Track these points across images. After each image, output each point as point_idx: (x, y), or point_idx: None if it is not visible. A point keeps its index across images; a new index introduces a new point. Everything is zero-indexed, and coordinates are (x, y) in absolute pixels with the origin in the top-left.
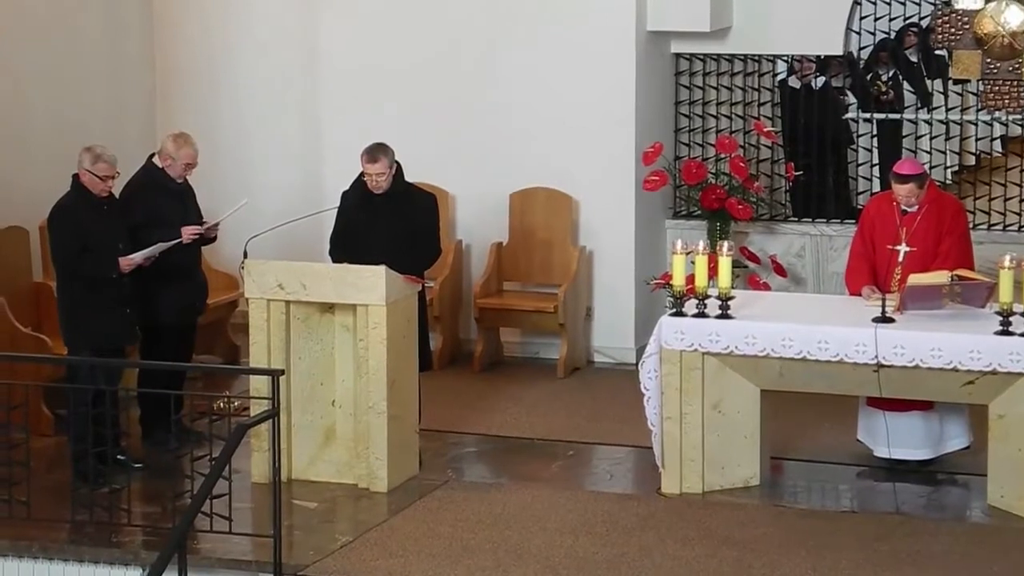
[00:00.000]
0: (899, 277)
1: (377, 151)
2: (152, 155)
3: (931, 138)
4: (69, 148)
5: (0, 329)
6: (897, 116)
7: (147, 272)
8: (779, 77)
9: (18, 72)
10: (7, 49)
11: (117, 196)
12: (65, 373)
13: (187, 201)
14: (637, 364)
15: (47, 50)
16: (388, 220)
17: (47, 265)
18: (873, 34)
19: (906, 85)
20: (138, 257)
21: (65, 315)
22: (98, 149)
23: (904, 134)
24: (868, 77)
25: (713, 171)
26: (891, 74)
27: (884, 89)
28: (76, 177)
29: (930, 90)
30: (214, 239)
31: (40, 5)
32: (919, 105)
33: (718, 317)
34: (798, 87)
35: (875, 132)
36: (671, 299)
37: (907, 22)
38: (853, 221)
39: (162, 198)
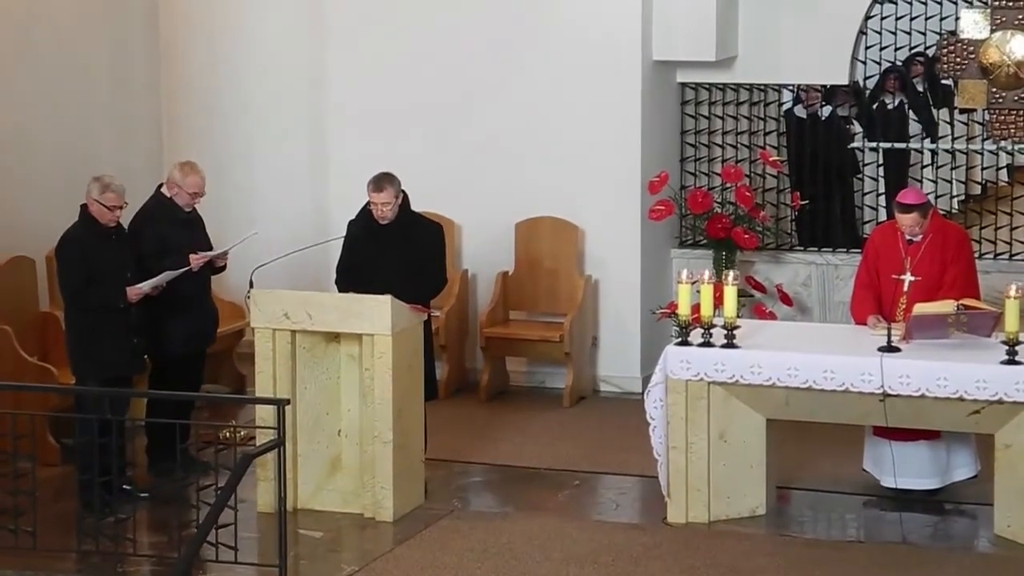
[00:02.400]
0: (904, 306)
1: (383, 181)
2: (160, 185)
3: (937, 167)
4: (75, 177)
5: (6, 359)
6: (903, 145)
7: (157, 302)
8: (785, 106)
9: (24, 101)
10: (13, 79)
11: (125, 226)
12: (72, 402)
13: (196, 230)
14: (643, 393)
15: (53, 80)
16: (394, 250)
17: (53, 294)
18: (879, 63)
19: (911, 114)
20: (146, 286)
21: (73, 345)
22: (106, 179)
23: (910, 163)
24: (874, 106)
25: (719, 200)
26: (897, 103)
27: None
28: (84, 207)
29: (936, 119)
30: (223, 268)
31: (46, 34)
32: (924, 134)
33: (724, 346)
34: (804, 116)
35: (881, 161)
36: (677, 328)
37: (913, 52)
38: (859, 250)
39: (171, 227)
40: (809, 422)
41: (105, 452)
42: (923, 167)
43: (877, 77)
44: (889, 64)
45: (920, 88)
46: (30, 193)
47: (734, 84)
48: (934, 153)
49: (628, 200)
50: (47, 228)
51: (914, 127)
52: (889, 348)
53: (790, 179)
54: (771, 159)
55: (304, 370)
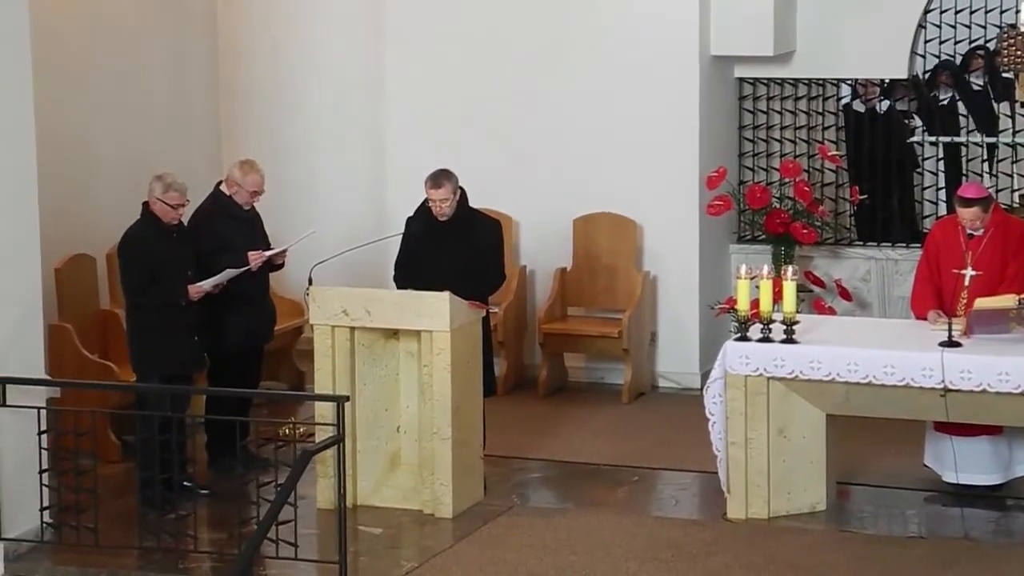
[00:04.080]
0: (965, 301)
1: (441, 177)
2: (219, 183)
3: (998, 161)
4: (135, 176)
5: (68, 356)
6: (963, 140)
7: (216, 299)
8: (843, 101)
9: (85, 101)
10: (75, 78)
11: (185, 224)
12: (133, 399)
13: (254, 228)
14: (702, 389)
15: (114, 82)
16: (452, 246)
17: (114, 292)
18: (938, 57)
19: (962, 109)
20: (207, 285)
21: (134, 342)
22: (169, 178)
23: (970, 157)
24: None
25: (777, 195)
26: (949, 97)
27: None
28: (146, 205)
29: (997, 113)
30: (282, 266)
31: (107, 38)
32: (973, 128)
33: (783, 342)
34: (862, 111)
35: (941, 155)
36: (736, 324)
37: (973, 45)
38: (919, 245)
39: (230, 225)
40: (869, 417)
41: (166, 449)
42: (981, 161)
43: (929, 71)
44: (939, 59)
45: (980, 82)
46: (91, 192)
47: (792, 79)
48: (993, 147)
49: (686, 195)
50: (108, 226)
51: (972, 122)
52: (950, 343)
53: (849, 174)
54: (829, 154)
55: (363, 367)
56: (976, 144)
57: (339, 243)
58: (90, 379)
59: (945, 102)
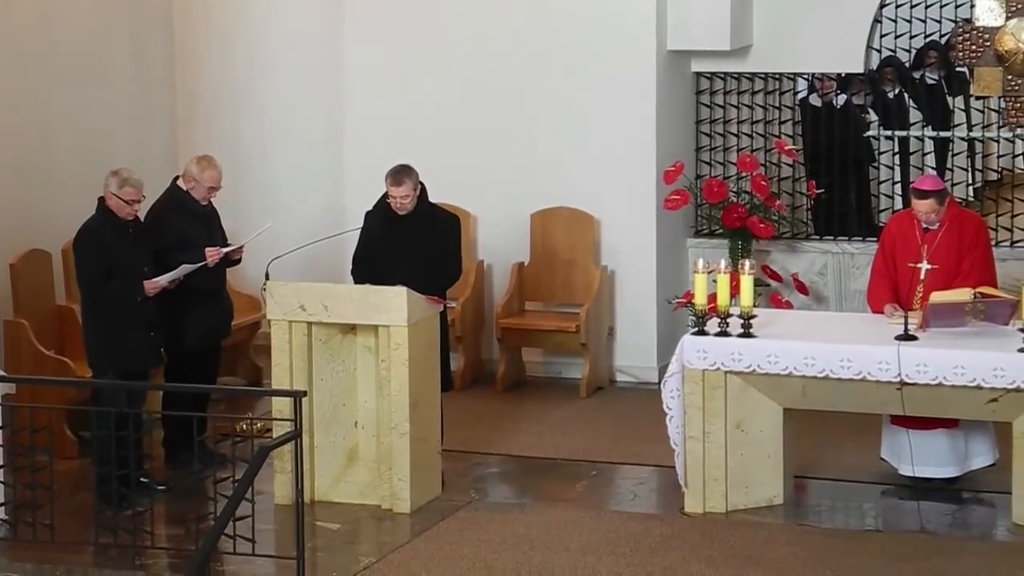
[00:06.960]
0: (921, 295)
1: (402, 174)
2: (176, 178)
3: (953, 155)
4: (92, 171)
5: (23, 352)
6: (918, 134)
7: (173, 295)
8: (800, 95)
9: (43, 97)
10: (33, 75)
11: (142, 219)
12: (89, 396)
13: (212, 224)
14: (659, 383)
15: (70, 74)
16: (411, 241)
17: (70, 288)
18: (893, 51)
19: (911, 104)
20: (163, 280)
21: (90, 338)
22: (125, 173)
23: (925, 152)
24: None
25: (735, 189)
26: (896, 92)
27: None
28: (102, 200)
29: (952, 107)
30: (238, 261)
31: (63, 33)
32: (925, 123)
33: (740, 336)
34: (819, 105)
35: (897, 149)
36: (693, 318)
37: (927, 40)
38: (875, 239)
39: (187, 221)
40: (826, 411)
41: (122, 445)
42: (923, 155)
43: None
44: (894, 53)
45: (935, 76)
46: (46, 187)
47: (749, 73)
48: (946, 141)
49: (644, 190)
50: (63, 221)
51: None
52: (906, 336)
53: (805, 168)
54: (786, 148)
55: (320, 362)
56: (931, 138)
57: (296, 239)
58: (46, 375)
59: (892, 97)
